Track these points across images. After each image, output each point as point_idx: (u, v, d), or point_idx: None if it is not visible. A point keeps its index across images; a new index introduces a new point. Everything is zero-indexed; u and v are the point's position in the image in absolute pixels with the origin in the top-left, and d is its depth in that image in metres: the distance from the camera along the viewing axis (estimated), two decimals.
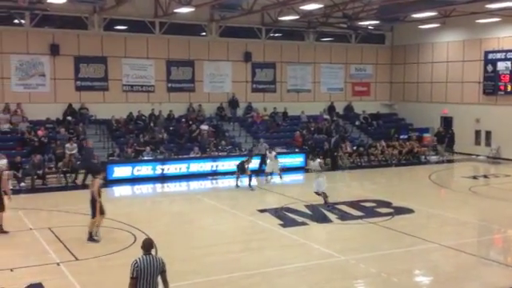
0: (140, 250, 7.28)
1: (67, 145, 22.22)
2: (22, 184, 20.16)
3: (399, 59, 33.29)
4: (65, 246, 12.54)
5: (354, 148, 26.76)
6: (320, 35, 31.39)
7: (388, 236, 13.87)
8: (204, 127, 26.37)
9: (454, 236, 13.84)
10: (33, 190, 19.86)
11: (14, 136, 23.20)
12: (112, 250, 12.09)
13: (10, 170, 19.90)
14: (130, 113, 26.20)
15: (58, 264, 11.24)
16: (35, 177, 20.43)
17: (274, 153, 22.02)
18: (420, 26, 29.65)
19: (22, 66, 24.55)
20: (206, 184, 21.79)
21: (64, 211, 15.92)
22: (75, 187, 20.37)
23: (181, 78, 27.99)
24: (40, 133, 23.09)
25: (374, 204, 17.36)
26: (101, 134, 24.78)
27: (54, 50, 24.95)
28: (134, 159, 22.62)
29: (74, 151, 22.13)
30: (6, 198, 13.90)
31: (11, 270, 10.71)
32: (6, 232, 13.57)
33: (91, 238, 12.91)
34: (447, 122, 30.47)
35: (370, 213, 16.22)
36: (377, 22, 27.87)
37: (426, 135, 29.74)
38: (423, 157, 28.01)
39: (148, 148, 23.14)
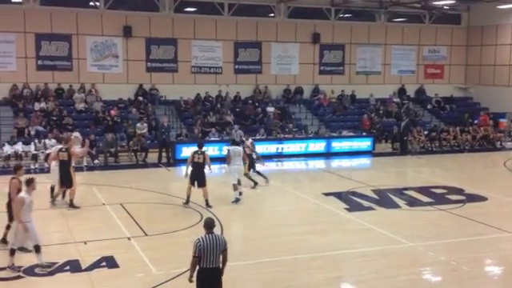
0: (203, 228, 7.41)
1: (138, 124, 22.92)
2: (96, 161, 21.02)
3: (475, 41, 31.69)
4: (135, 221, 12.98)
5: (425, 133, 25.90)
6: (392, 15, 30.41)
7: (459, 224, 13.37)
8: (270, 109, 26.37)
9: None
10: (106, 167, 20.68)
11: (89, 115, 24.17)
12: (179, 227, 12.37)
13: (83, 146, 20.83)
14: (198, 94, 26.60)
15: (129, 239, 11.65)
16: (108, 154, 21.26)
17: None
18: (499, 6, 28.06)
19: (96, 48, 25.43)
20: (271, 166, 21.81)
21: (135, 188, 16.43)
22: (145, 165, 21.02)
23: (248, 59, 28.04)
24: (113, 112, 23.92)
25: (444, 190, 16.76)
26: (169, 114, 25.35)
27: (127, 32, 25.65)
28: (202, 139, 22.97)
29: (145, 131, 22.80)
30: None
31: (85, 243, 11.22)
32: (77, 207, 14.05)
33: (72, 205, 14.00)
34: None
35: (440, 199, 15.68)
36: (453, 1, 26.70)
37: (502, 120, 28.30)
38: (498, 143, 26.71)
39: (213, 129, 23.45)
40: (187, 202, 14.35)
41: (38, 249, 9.65)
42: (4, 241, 10.83)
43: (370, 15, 30.08)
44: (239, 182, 15.17)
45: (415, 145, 24.93)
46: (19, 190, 10.13)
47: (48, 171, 15.73)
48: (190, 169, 14.43)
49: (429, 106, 30.24)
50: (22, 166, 11.60)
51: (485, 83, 31.09)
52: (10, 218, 10.60)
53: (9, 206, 10.76)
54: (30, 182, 9.75)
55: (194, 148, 22.01)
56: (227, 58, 27.62)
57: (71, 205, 14.06)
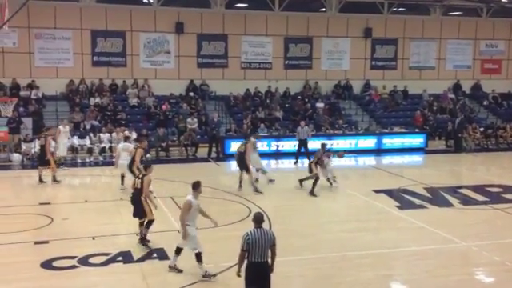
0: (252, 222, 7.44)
1: (188, 119, 23.26)
2: (148, 155, 21.45)
3: None
4: None
5: (481, 130, 25.06)
6: (447, 9, 29.54)
7: None
8: (319, 105, 26.17)
9: None
10: (157, 161, 21.07)
11: (142, 110, 24.71)
12: (228, 221, 12.46)
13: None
14: (247, 89, 26.71)
15: (179, 232, 11.80)
16: (159, 149, 21.68)
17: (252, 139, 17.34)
18: None
19: (149, 44, 25.96)
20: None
21: (184, 182, 16.63)
22: (195, 160, 21.30)
23: (298, 54, 27.92)
24: (164, 107, 24.37)
25: (500, 189, 16.22)
26: (219, 109, 25.58)
27: (179, 28, 26.04)
28: (251, 135, 23.04)
29: (195, 126, 23.12)
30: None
31: (137, 235, 11.45)
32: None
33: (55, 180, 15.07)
34: None
35: (495, 198, 15.18)
36: None
37: None
38: None
39: (262, 124, 23.50)
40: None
41: (199, 257, 9.24)
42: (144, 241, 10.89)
43: (424, 9, 29.34)
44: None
45: (470, 142, 24.19)
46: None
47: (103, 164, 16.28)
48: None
49: (485, 103, 29.26)
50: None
51: None
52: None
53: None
54: (197, 186, 9.58)
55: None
56: (277, 54, 27.58)
57: None
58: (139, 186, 10.79)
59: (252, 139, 16.84)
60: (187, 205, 9.46)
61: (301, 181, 16.06)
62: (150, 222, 10.89)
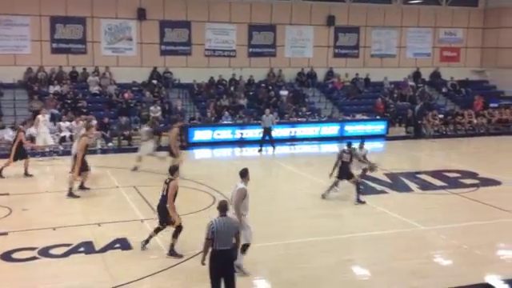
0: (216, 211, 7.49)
1: (152, 107, 23.02)
2: (110, 144, 21.20)
3: (493, 23, 31.15)
4: (148, 204, 13.09)
5: (440, 116, 25.68)
6: None
7: (472, 208, 13.34)
8: (283, 93, 26.28)
9: None
10: (119, 149, 20.84)
11: (103, 98, 24.30)
12: (192, 210, 12.45)
13: (98, 130, 21.04)
14: (212, 77, 26.58)
15: (142, 221, 11.78)
16: (122, 137, 21.41)
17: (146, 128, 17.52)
18: None
19: (110, 31, 25.47)
20: (285, 149, 21.81)
21: (148, 171, 16.53)
22: (159, 148, 21.07)
23: (262, 42, 27.89)
24: (126, 95, 24.03)
25: (458, 174, 16.69)
26: (183, 97, 25.39)
27: (141, 15, 25.62)
28: (215, 123, 23.05)
29: (158, 114, 22.90)
30: None
31: (99, 225, 11.37)
32: (87, 188, 14.12)
33: (71, 193, 13.52)
34: None
35: (453, 183, 15.63)
36: None
37: None
38: None
39: (226, 112, 23.48)
40: None
41: (245, 248, 8.89)
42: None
43: None
44: None
45: (429, 128, 24.77)
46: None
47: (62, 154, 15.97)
48: None
49: (444, 90, 29.92)
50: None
51: (502, 66, 30.60)
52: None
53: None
54: (246, 173, 8.93)
55: (208, 132, 22.36)
56: (241, 41, 27.50)
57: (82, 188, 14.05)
58: (165, 193, 9.72)
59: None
60: (243, 193, 8.75)
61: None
62: (179, 230, 9.83)
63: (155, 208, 12.43)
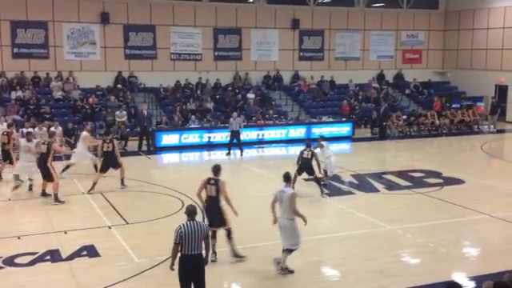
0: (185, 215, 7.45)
1: (117, 112, 22.74)
2: (75, 150, 20.76)
3: (453, 25, 32.00)
4: (116, 210, 12.94)
5: (404, 117, 26.18)
6: (370, 0, 30.52)
7: (436, 206, 13.61)
8: (250, 96, 26.36)
9: (505, 207, 13.42)
10: None
11: (67, 103, 23.89)
12: (160, 215, 12.37)
13: (63, 136, 20.66)
14: (178, 81, 26.45)
15: (110, 227, 11.63)
16: None
17: None
18: None
19: (73, 35, 25.07)
20: (252, 152, 21.85)
21: (115, 176, 16.29)
22: (125, 153, 20.82)
23: (228, 46, 27.92)
24: (91, 100, 23.69)
25: (422, 174, 17.02)
26: (149, 101, 25.16)
27: (104, 19, 25.31)
28: (182, 127, 22.92)
29: (124, 119, 22.64)
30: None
31: (65, 233, 11.16)
32: (62, 202, 13.61)
33: (57, 199, 13.43)
34: (502, 91, 29.27)
35: (418, 183, 15.94)
36: None
37: (480, 104, 28.71)
38: (476, 126, 27.14)
39: (193, 116, 23.39)
40: None
41: (290, 252, 9.21)
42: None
43: (349, 0, 30.14)
44: None
45: (394, 129, 25.21)
46: None
47: None
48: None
49: (407, 91, 30.53)
50: None
51: (462, 67, 31.48)
52: None
53: None
54: (290, 178, 9.54)
55: (175, 136, 22.20)
56: (207, 45, 27.46)
57: (56, 199, 13.60)
58: (214, 194, 9.57)
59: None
60: (295, 197, 9.15)
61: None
62: (230, 231, 9.82)
63: (122, 214, 12.39)
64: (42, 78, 24.60)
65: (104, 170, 15.01)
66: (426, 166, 18.17)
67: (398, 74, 31.31)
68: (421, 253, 10.57)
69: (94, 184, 14.63)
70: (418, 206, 13.75)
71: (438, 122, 26.24)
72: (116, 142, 15.79)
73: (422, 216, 12.72)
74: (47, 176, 13.54)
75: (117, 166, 15.19)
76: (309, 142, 15.15)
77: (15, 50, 24.19)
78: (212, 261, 9.37)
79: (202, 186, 9.74)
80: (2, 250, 10.07)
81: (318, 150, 15.28)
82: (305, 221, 9.18)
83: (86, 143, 16.57)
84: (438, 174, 16.92)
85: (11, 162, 15.70)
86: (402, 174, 16.94)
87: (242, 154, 20.52)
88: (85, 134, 16.72)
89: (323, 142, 15.75)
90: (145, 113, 21.96)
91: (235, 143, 20.68)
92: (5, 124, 18.08)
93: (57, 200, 13.48)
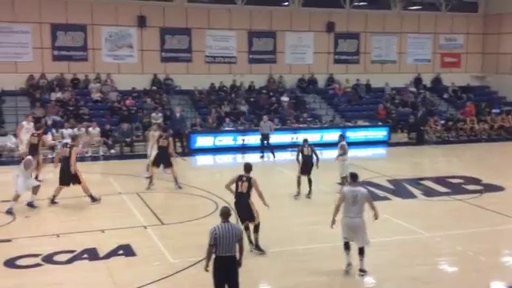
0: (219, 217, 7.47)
1: (153, 114, 23.02)
2: (112, 151, 21.17)
3: (493, 29, 31.22)
4: (151, 210, 13.08)
5: (442, 122, 25.68)
6: (407, 3, 30.11)
7: (476, 214, 13.29)
8: (284, 99, 26.30)
9: None
10: (121, 156, 20.81)
11: (105, 105, 24.30)
12: (195, 216, 12.44)
13: (100, 137, 21.07)
14: (212, 84, 26.61)
15: (145, 227, 11.76)
16: (123, 144, 21.39)
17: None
18: None
19: (111, 38, 25.51)
20: (286, 156, 21.77)
21: (173, 186, 16.39)
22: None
23: (262, 49, 27.94)
24: (128, 102, 24.04)
25: (461, 180, 16.65)
26: (184, 104, 25.38)
27: (142, 22, 25.68)
28: (216, 129, 23.04)
29: (160, 120, 22.86)
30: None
31: (102, 232, 11.34)
32: (98, 200, 13.65)
33: (93, 199, 13.45)
34: None
35: (457, 189, 15.59)
36: None
37: None
38: None
39: (227, 119, 23.50)
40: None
41: (345, 246, 9.41)
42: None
43: (385, 3, 29.81)
44: None
45: (431, 134, 24.77)
46: None
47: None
48: None
49: (445, 96, 29.94)
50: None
51: (503, 72, 30.65)
52: None
53: None
54: (357, 177, 9.59)
55: (209, 138, 22.34)
56: (241, 48, 27.55)
57: (93, 199, 13.63)
58: (245, 191, 10.02)
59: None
60: (341, 197, 9.44)
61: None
62: (259, 226, 10.20)
63: (157, 214, 12.51)
64: (81, 79, 25.11)
65: (156, 164, 15.29)
66: (465, 172, 17.77)
67: (435, 78, 30.75)
68: (459, 261, 10.33)
69: (151, 178, 15.09)
70: (457, 212, 13.45)
71: (477, 127, 25.66)
72: (171, 140, 15.81)
73: (460, 223, 12.44)
74: (73, 179, 13.37)
75: (168, 164, 15.26)
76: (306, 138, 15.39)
77: (55, 52, 24.77)
78: (250, 251, 9.86)
79: (233, 182, 10.29)
80: (42, 247, 10.29)
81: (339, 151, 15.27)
82: (377, 217, 9.56)
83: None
84: (477, 181, 16.53)
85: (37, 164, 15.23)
86: (439, 180, 16.60)
87: (274, 157, 20.52)
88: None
89: (344, 142, 15.59)
90: (178, 115, 22.16)
91: (266, 146, 20.70)
92: (31, 124, 18.45)
93: (93, 200, 13.59)
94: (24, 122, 18.52)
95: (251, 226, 10.15)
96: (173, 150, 15.69)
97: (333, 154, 21.04)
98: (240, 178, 10.16)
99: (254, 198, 10.25)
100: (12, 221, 12.10)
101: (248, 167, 10.29)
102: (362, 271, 9.34)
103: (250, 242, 10.11)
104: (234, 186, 10.31)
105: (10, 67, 23.86)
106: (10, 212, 12.41)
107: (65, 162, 13.52)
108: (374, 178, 16.78)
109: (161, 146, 15.17)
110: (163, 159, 15.25)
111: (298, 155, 14.81)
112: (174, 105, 24.85)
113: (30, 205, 13.05)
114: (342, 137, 16.15)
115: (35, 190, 13.14)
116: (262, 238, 10.45)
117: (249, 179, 10.08)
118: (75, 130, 20.99)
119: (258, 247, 10.18)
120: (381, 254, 10.45)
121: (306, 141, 14.95)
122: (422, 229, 11.87)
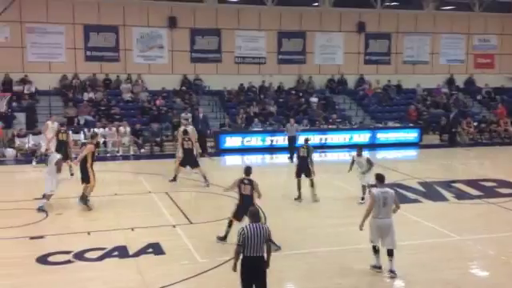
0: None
1: (182, 114, 23.17)
2: (142, 150, 21.43)
3: None
4: (180, 209, 13.17)
5: (475, 124, 25.19)
6: (440, 3, 29.62)
7: (508, 218, 12.99)
8: (313, 99, 26.18)
9: None
10: (151, 156, 21.03)
11: (135, 105, 24.62)
12: (222, 216, 12.40)
13: (131, 136, 21.34)
14: (241, 84, 26.67)
15: (174, 226, 11.84)
16: (153, 144, 21.62)
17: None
18: None
19: (142, 39, 25.84)
20: (315, 157, 21.56)
21: (179, 177, 16.60)
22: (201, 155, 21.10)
23: (291, 49, 27.89)
24: (158, 102, 24.30)
25: (494, 184, 16.30)
26: (213, 104, 25.52)
27: (172, 23, 25.92)
28: (245, 130, 23.08)
29: (189, 120, 23.00)
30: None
31: (132, 230, 11.47)
32: (89, 206, 13.05)
33: (86, 201, 12.99)
34: None
35: (489, 192, 15.25)
36: None
37: None
38: None
39: (256, 119, 23.50)
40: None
41: (374, 250, 9.38)
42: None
43: (417, 3, 29.41)
44: None
45: (464, 136, 24.32)
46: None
47: (97, 159, 16.14)
48: None
49: (479, 97, 29.37)
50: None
51: None
52: None
53: None
54: (384, 178, 9.61)
55: (238, 138, 22.36)
56: (270, 48, 27.55)
57: (85, 201, 13.09)
58: (249, 193, 10.33)
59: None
60: (372, 198, 9.55)
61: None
62: None
63: (186, 214, 12.58)
64: (113, 80, 25.49)
65: (183, 165, 15.88)
66: (498, 176, 17.39)
67: (468, 79, 30.17)
68: (492, 265, 10.09)
69: (176, 175, 15.63)
70: (490, 216, 13.15)
71: (510, 129, 25.06)
72: (194, 141, 16.35)
73: (493, 227, 12.15)
74: (85, 178, 13.17)
75: (195, 164, 15.79)
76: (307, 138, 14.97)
77: (88, 53, 25.21)
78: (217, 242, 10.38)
79: (235, 185, 10.68)
80: (73, 245, 10.46)
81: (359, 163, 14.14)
82: (395, 211, 9.61)
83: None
84: (510, 184, 16.17)
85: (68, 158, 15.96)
86: (472, 183, 16.27)
87: (292, 159, 20.10)
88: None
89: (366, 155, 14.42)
90: (200, 116, 22.27)
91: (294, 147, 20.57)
92: (56, 123, 18.79)
93: (85, 202, 13.00)
94: (48, 122, 18.98)
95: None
96: (196, 151, 16.32)
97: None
98: (242, 181, 10.53)
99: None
100: (44, 218, 12.34)
101: (248, 170, 10.66)
102: (392, 272, 9.23)
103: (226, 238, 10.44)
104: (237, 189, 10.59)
105: (44, 67, 24.41)
106: (41, 209, 12.65)
107: (83, 159, 13.44)
108: (404, 180, 16.56)
109: (185, 149, 15.72)
110: (189, 160, 15.77)
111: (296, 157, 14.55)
112: (204, 105, 25.04)
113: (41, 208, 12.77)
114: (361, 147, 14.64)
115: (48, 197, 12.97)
116: (287, 239, 10.43)
117: (251, 182, 10.46)
118: (106, 129, 21.33)
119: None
120: (411, 257, 10.29)
121: (306, 140, 14.64)
122: (453, 232, 11.64)
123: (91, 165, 13.17)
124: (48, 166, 13.30)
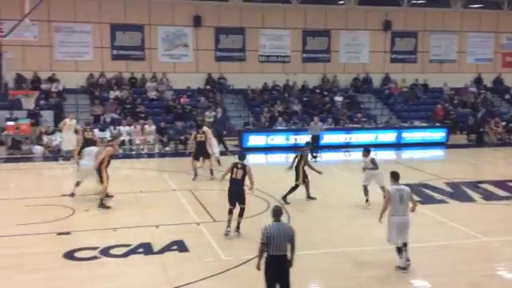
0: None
1: (206, 113, 23.31)
2: (167, 148, 21.59)
3: None
4: (204, 207, 13.22)
5: (503, 124, 24.72)
6: (468, 1, 29.15)
7: None
8: (338, 98, 26.03)
9: None
10: (176, 154, 21.17)
11: (160, 103, 24.82)
12: (246, 214, 12.38)
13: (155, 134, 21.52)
14: (265, 83, 26.66)
15: (198, 224, 11.90)
16: (178, 142, 21.77)
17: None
18: None
19: (167, 37, 26.03)
20: (339, 156, 21.54)
21: (208, 176, 16.64)
22: (224, 153, 21.21)
23: (316, 48, 27.77)
24: (182, 101, 24.45)
25: None
26: (237, 103, 25.56)
27: (197, 22, 26.04)
28: (269, 128, 23.06)
29: (212, 119, 23.12)
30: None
31: (157, 227, 11.55)
32: (107, 207, 13.03)
33: (102, 204, 12.88)
34: None
35: None
36: None
37: None
38: None
39: (280, 118, 23.45)
40: None
41: (398, 250, 9.36)
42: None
43: (444, 1, 29.00)
44: None
45: (492, 136, 23.90)
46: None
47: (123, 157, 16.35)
48: None
49: (507, 97, 28.82)
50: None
51: None
52: None
53: None
54: (398, 177, 9.49)
55: (262, 137, 22.35)
56: (295, 47, 27.47)
57: (101, 204, 13.03)
58: (240, 177, 10.86)
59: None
60: (387, 195, 9.59)
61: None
62: (244, 210, 11.13)
63: (210, 212, 12.65)
64: (138, 78, 25.73)
65: (196, 157, 16.31)
66: None
67: (497, 79, 29.64)
68: None
69: (195, 171, 16.05)
70: None
71: None
72: (208, 134, 16.77)
73: None
74: (100, 178, 13.28)
75: (207, 156, 16.30)
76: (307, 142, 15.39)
77: (114, 51, 25.51)
78: (225, 234, 10.81)
79: (229, 170, 11.07)
80: (100, 241, 10.60)
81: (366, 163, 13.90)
82: (414, 209, 9.65)
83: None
84: None
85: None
86: (500, 184, 15.95)
87: (316, 158, 19.86)
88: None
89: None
90: (218, 116, 22.29)
91: (315, 146, 20.46)
92: (74, 121, 18.99)
93: (102, 205, 12.96)
94: (67, 119, 19.25)
95: (237, 210, 10.94)
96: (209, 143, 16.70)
97: (388, 155, 20.80)
98: (235, 165, 10.98)
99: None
100: (71, 214, 12.53)
101: (242, 156, 11.38)
102: (408, 260, 9.29)
103: (237, 227, 10.92)
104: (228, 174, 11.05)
105: (71, 66, 24.79)
106: (72, 194, 13.39)
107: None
108: (430, 181, 16.34)
109: (199, 141, 16.30)
110: (202, 153, 16.36)
111: (292, 163, 14.05)
112: (228, 104, 25.11)
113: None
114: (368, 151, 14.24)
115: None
116: (312, 238, 10.38)
117: (244, 166, 10.91)
118: (132, 127, 21.55)
119: (238, 228, 10.96)
120: (438, 258, 10.15)
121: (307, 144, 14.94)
122: (480, 233, 11.44)
123: (106, 166, 13.21)
124: (89, 160, 13.57)
